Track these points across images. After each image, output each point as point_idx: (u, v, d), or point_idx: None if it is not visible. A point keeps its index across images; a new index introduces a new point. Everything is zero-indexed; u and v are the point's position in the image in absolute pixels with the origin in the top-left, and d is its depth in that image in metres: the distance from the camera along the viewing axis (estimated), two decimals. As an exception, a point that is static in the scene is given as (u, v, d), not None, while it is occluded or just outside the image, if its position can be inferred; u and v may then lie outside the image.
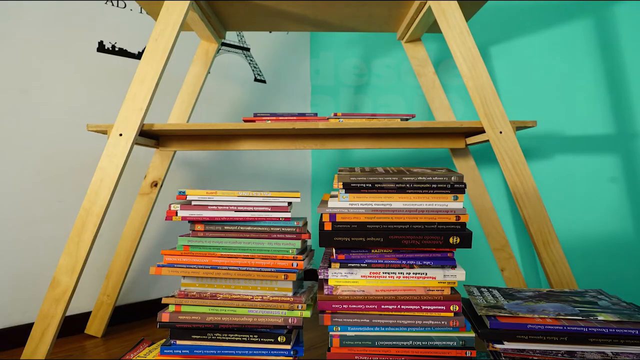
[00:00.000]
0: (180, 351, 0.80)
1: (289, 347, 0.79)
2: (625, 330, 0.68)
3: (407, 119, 1.01)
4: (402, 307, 0.74)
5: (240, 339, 0.79)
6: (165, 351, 0.80)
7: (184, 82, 1.20)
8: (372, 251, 0.75)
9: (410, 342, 0.74)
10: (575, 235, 1.14)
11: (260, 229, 0.82)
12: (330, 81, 1.74)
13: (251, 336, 0.79)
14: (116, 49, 1.27)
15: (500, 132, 0.92)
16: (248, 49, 1.61)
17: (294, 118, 1.00)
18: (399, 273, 0.75)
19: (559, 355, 0.68)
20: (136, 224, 1.14)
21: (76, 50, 1.20)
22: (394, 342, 0.74)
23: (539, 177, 1.21)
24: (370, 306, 0.74)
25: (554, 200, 1.18)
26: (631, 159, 1.06)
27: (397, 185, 0.75)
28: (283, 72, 1.73)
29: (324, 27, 1.22)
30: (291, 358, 0.79)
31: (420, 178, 0.75)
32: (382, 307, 0.74)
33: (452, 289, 0.76)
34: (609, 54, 1.09)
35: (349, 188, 0.75)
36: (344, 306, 0.75)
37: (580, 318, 0.71)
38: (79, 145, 1.20)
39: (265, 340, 0.79)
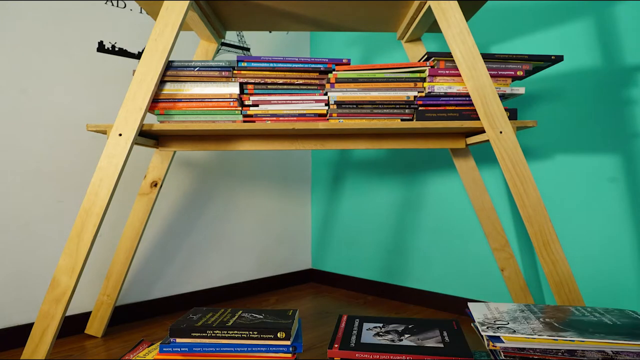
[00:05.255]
0: (179, 349, 0.80)
1: (288, 342, 0.79)
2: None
3: (410, 118, 1.01)
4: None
5: (239, 335, 0.79)
6: (164, 349, 0.80)
7: (184, 82, 1.20)
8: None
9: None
10: (575, 235, 1.14)
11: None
12: (330, 81, 1.74)
13: (250, 333, 0.79)
14: (116, 49, 1.27)
15: (500, 132, 0.92)
16: (248, 49, 1.61)
17: (294, 119, 1.00)
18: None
19: (559, 354, 0.68)
20: (136, 224, 1.14)
21: (76, 50, 1.20)
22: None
23: (539, 177, 1.21)
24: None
25: (554, 200, 1.18)
26: (631, 159, 1.06)
27: None
28: (283, 72, 1.72)
29: (324, 27, 1.22)
30: (290, 355, 0.79)
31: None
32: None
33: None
34: (609, 53, 1.09)
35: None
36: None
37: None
38: (79, 145, 1.20)
39: (264, 336, 0.79)
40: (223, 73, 0.97)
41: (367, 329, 0.84)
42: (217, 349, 0.80)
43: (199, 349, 0.80)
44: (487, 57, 0.97)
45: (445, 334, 0.81)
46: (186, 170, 1.44)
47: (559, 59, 0.96)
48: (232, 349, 0.79)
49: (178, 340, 0.80)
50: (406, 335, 0.81)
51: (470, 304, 0.85)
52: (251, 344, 0.79)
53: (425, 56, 0.99)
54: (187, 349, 0.80)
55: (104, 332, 1.18)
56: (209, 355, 0.80)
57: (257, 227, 1.64)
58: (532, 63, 0.98)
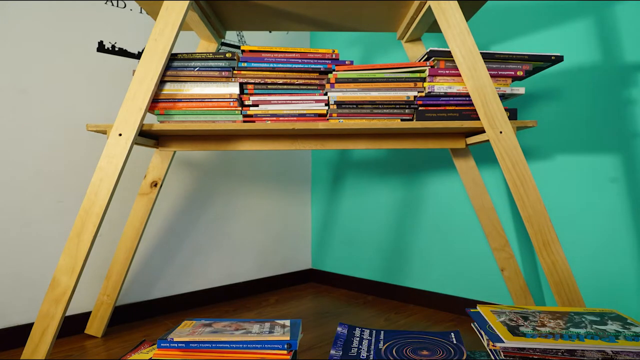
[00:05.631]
0: (176, 345, 0.80)
1: (287, 337, 0.80)
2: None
3: (412, 115, 1.01)
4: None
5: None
6: (162, 345, 0.80)
7: (184, 82, 1.20)
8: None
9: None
10: (575, 235, 1.14)
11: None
12: (330, 81, 1.74)
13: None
14: (116, 49, 1.27)
15: (500, 132, 0.92)
16: (248, 49, 1.61)
17: (294, 119, 1.00)
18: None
19: (559, 353, 0.68)
20: (136, 224, 1.14)
21: (76, 50, 1.20)
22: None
23: (539, 177, 1.21)
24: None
25: (554, 200, 1.18)
26: (631, 159, 1.06)
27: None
28: (283, 72, 1.72)
29: (324, 27, 1.22)
30: (285, 352, 0.79)
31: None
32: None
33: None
34: (610, 53, 1.09)
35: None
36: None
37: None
38: (79, 145, 1.20)
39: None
40: (223, 73, 0.97)
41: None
42: (214, 345, 0.80)
43: (196, 345, 0.80)
44: (487, 57, 0.97)
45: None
46: (186, 170, 1.44)
47: (559, 59, 0.96)
48: (228, 346, 0.80)
49: (176, 338, 0.81)
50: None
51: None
52: (247, 340, 0.80)
53: (426, 55, 0.99)
54: (184, 345, 0.80)
55: (104, 332, 1.18)
56: (206, 352, 0.80)
57: (257, 227, 1.64)
58: (532, 63, 0.98)
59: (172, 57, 0.97)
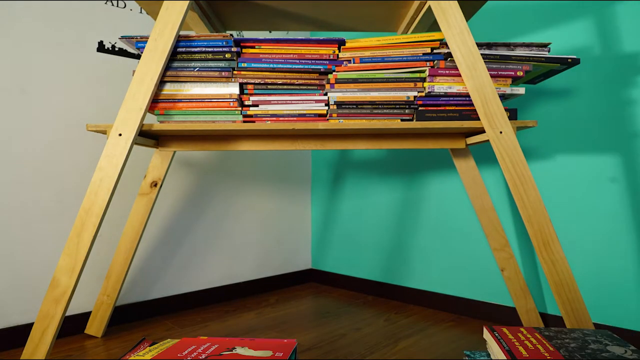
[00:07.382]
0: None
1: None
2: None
3: (409, 117, 1.01)
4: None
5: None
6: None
7: (183, 82, 1.20)
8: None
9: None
10: (575, 235, 1.14)
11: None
12: (330, 81, 1.74)
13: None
14: (116, 49, 1.27)
15: (500, 132, 0.92)
16: (248, 49, 1.61)
17: (294, 119, 1.00)
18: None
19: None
20: (136, 224, 1.14)
21: (76, 50, 1.20)
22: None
23: (539, 177, 1.21)
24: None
25: (554, 200, 1.18)
26: (631, 159, 1.06)
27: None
28: (283, 72, 1.72)
29: (324, 27, 1.22)
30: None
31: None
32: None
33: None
34: (610, 53, 1.09)
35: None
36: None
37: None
38: (79, 145, 1.20)
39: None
40: (223, 73, 0.97)
41: None
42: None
43: None
44: (503, 59, 0.96)
45: None
46: (186, 170, 1.44)
47: (575, 62, 0.94)
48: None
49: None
50: None
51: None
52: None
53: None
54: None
55: (104, 332, 1.18)
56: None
57: (257, 227, 1.64)
58: (542, 65, 0.97)
59: (172, 58, 0.97)
